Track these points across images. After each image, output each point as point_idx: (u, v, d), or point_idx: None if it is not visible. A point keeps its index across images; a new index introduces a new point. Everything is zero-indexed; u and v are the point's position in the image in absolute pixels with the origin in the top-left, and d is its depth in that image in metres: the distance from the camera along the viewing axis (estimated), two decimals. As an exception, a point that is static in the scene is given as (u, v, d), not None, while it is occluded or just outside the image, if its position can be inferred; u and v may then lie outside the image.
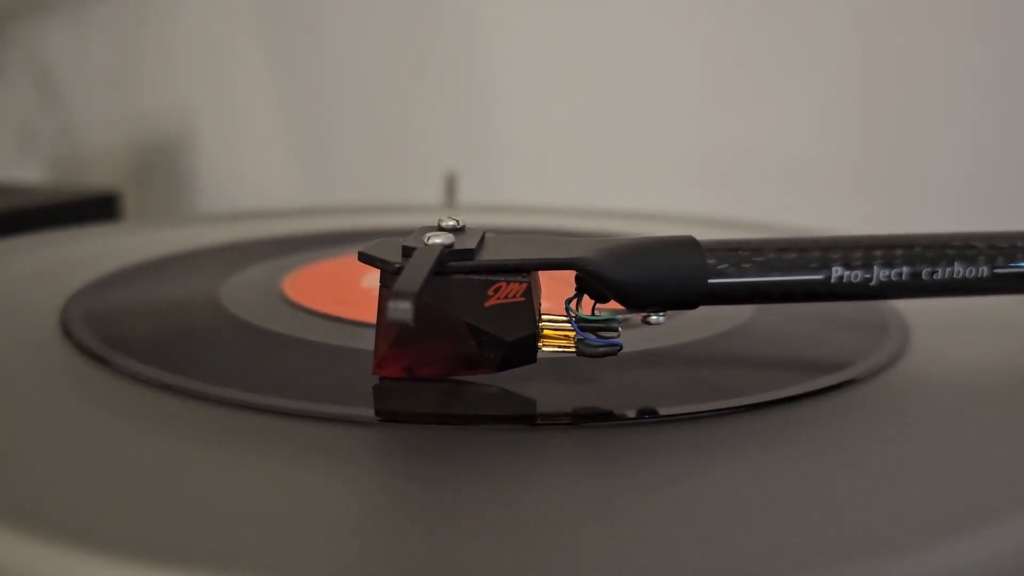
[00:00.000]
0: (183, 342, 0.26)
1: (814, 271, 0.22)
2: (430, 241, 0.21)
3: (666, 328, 0.26)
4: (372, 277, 0.21)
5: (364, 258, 0.21)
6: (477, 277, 0.21)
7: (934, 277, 0.22)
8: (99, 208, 0.54)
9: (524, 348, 0.21)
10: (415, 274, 0.18)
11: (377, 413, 0.20)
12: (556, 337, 0.21)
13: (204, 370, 0.23)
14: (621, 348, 0.21)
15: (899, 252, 0.22)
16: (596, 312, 0.21)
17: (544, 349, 0.21)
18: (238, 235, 0.40)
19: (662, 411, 0.21)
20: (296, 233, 0.41)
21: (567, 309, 0.21)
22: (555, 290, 0.23)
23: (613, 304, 0.21)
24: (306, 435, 0.19)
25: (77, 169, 0.79)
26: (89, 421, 0.20)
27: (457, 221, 0.22)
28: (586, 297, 0.21)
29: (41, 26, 0.77)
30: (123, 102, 0.77)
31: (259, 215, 0.49)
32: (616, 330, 0.21)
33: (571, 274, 0.21)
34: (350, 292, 0.30)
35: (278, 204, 0.70)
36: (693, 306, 0.22)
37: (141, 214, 0.75)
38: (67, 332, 0.25)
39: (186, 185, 0.76)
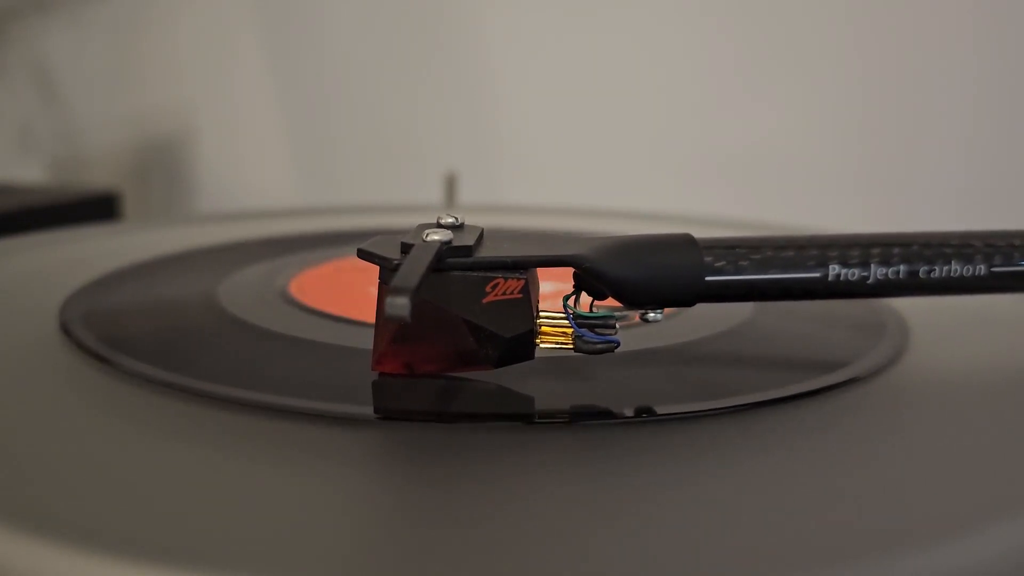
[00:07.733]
0: (183, 342, 0.26)
1: (811, 269, 0.22)
2: (428, 238, 0.21)
3: (665, 327, 0.26)
4: (372, 280, 0.21)
5: (363, 255, 0.21)
6: (475, 274, 0.21)
7: (931, 276, 0.22)
8: (99, 208, 0.54)
9: (522, 345, 0.21)
10: (413, 270, 0.18)
11: (376, 411, 0.20)
12: (554, 334, 0.21)
13: (204, 369, 0.23)
14: (619, 345, 0.21)
15: (896, 250, 0.22)
16: (594, 309, 0.21)
17: (542, 346, 0.21)
18: (238, 235, 0.40)
19: (660, 410, 0.21)
20: (296, 233, 0.41)
21: (565, 306, 0.21)
22: (553, 284, 0.23)
23: (611, 301, 0.21)
24: (305, 434, 0.19)
25: (77, 169, 0.79)
26: (89, 421, 0.20)
27: (456, 218, 0.22)
28: (584, 294, 0.21)
29: (41, 26, 0.77)
30: (123, 102, 0.77)
31: (259, 215, 0.49)
32: (614, 327, 0.21)
33: (569, 271, 0.21)
34: (350, 292, 0.30)
35: (278, 204, 0.70)
36: (690, 303, 0.22)
37: (141, 214, 0.75)
38: (67, 332, 0.25)
39: (186, 185, 0.76)
